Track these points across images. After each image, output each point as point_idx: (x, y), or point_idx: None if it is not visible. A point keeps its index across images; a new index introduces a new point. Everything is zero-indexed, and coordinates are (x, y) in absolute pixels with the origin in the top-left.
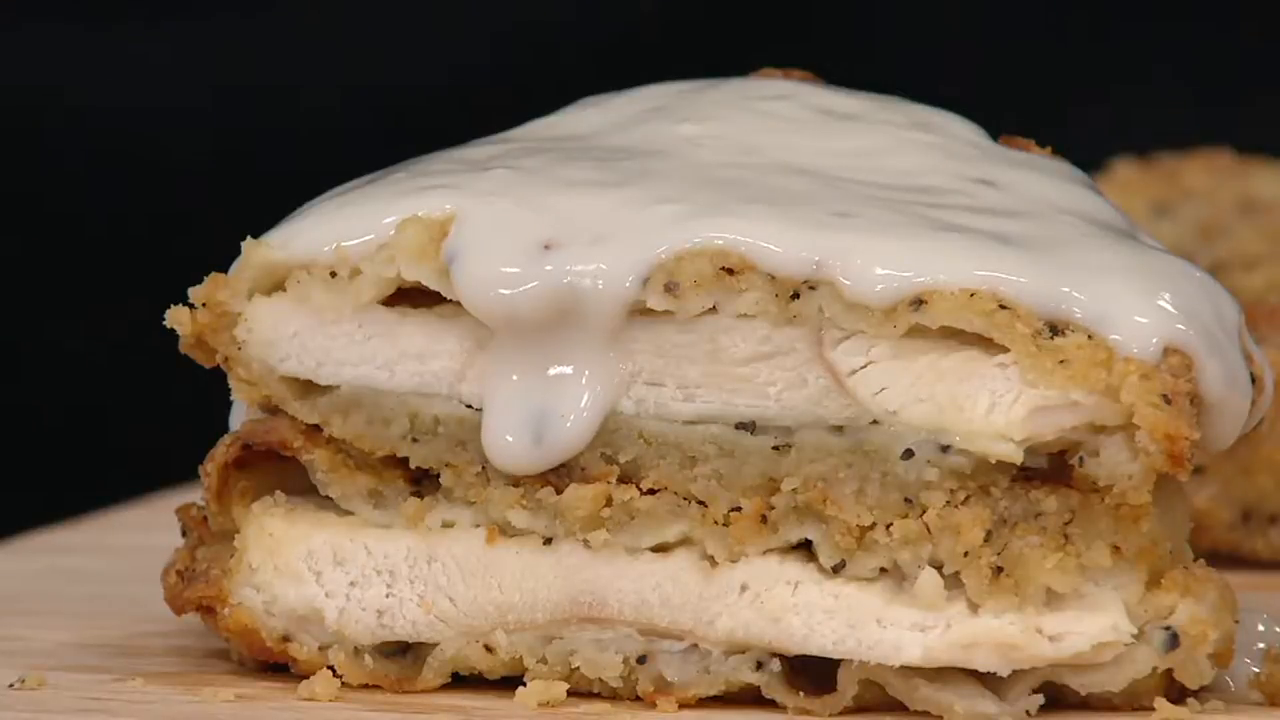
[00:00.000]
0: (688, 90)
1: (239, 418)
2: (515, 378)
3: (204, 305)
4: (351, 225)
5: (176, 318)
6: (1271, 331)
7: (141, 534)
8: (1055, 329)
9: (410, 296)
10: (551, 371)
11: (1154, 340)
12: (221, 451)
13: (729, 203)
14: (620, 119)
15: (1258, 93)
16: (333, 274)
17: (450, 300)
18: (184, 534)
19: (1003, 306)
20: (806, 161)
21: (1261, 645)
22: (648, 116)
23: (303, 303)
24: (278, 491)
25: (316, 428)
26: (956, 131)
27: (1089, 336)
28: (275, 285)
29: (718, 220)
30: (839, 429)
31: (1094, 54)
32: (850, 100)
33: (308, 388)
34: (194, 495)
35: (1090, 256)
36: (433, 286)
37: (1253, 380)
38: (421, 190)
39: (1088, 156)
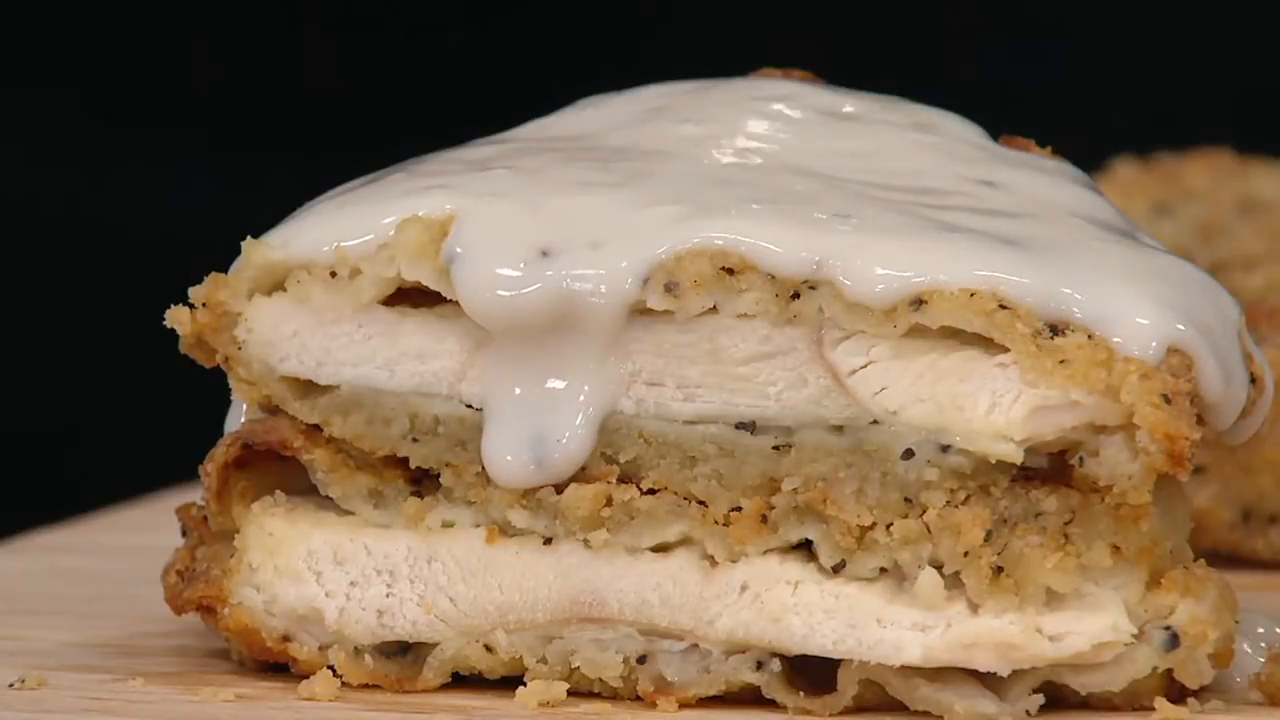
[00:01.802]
0: (688, 90)
1: (237, 418)
2: (518, 391)
3: (204, 305)
4: (351, 225)
5: (177, 318)
6: (1271, 331)
7: (141, 534)
8: (1055, 329)
9: (410, 296)
10: (549, 384)
11: (1154, 341)
12: (221, 451)
13: (729, 203)
14: (620, 119)
15: (1258, 93)
16: (333, 274)
17: (450, 300)
18: (184, 534)
19: (1003, 306)
20: (808, 162)
21: (1263, 645)
22: (648, 117)
23: (303, 303)
24: (278, 491)
25: (316, 428)
26: (957, 132)
27: (1089, 336)
28: (275, 285)
29: (718, 220)
30: (839, 429)
31: (1095, 54)
32: (851, 101)
33: (308, 388)
34: (194, 495)
35: (1091, 258)
36: (433, 287)
37: (1252, 380)
38: (421, 190)
39: (1088, 156)
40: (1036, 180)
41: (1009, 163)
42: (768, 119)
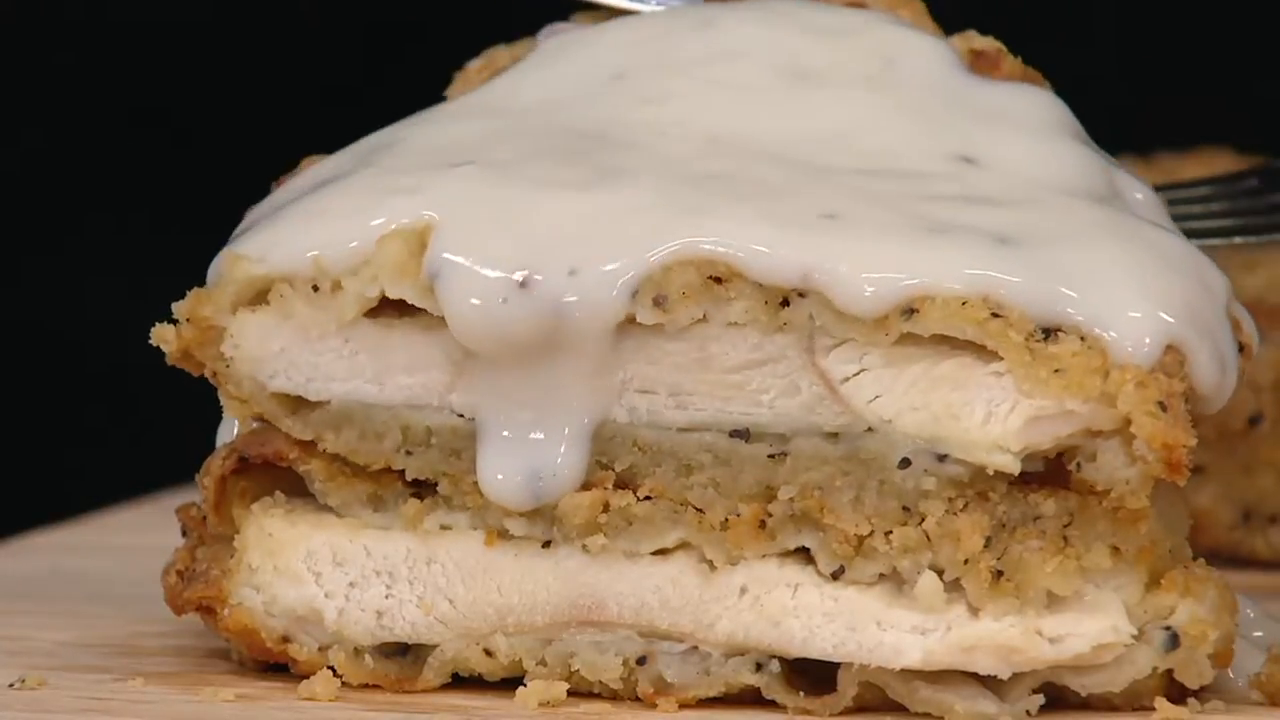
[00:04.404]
0: (644, 42)
1: (229, 426)
2: (508, 414)
3: (188, 320)
4: (330, 233)
5: (161, 335)
6: (1271, 331)
7: (141, 534)
8: (1049, 332)
9: (395, 303)
10: (539, 407)
11: (1148, 338)
12: (218, 464)
13: (710, 204)
14: (583, 88)
15: (1258, 93)
16: (314, 288)
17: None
18: (184, 534)
19: (995, 315)
20: (778, 147)
21: (1263, 645)
22: (609, 89)
23: (287, 318)
24: (277, 492)
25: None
26: (925, 73)
27: (1082, 339)
28: (258, 297)
29: (701, 223)
30: (834, 436)
31: (1095, 53)
32: (810, 44)
33: (298, 403)
34: (194, 495)
35: (1083, 250)
36: (418, 304)
37: (1240, 349)
38: (396, 193)
39: None
40: (1017, 146)
41: (985, 117)
42: (726, 91)
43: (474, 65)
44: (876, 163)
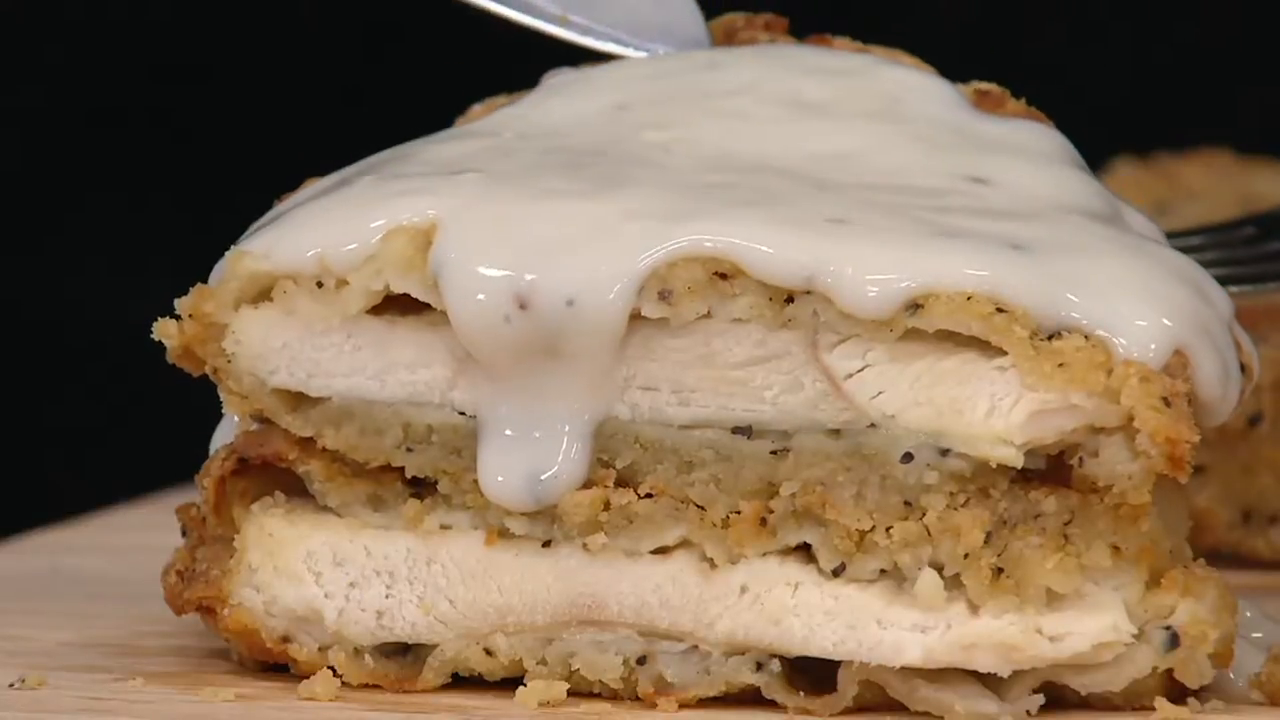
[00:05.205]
0: (645, 78)
1: (228, 428)
2: (510, 414)
3: (190, 316)
4: (334, 232)
5: (164, 330)
6: (1271, 331)
7: (141, 534)
8: (1053, 336)
9: (398, 302)
10: (542, 409)
11: (1154, 343)
12: (217, 466)
13: (716, 209)
14: (585, 117)
15: (1257, 92)
16: (319, 284)
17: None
18: (184, 534)
19: (1000, 310)
20: (784, 165)
21: (1263, 645)
22: (612, 117)
23: (291, 314)
24: (277, 492)
25: (311, 439)
26: (929, 108)
27: (1086, 338)
28: (261, 294)
29: (705, 223)
30: (836, 432)
31: (1095, 53)
32: (813, 82)
33: (299, 400)
34: (194, 495)
35: (1089, 260)
36: (423, 299)
37: (1241, 368)
38: (401, 194)
39: (1088, 157)
40: (1023, 170)
41: (991, 147)
42: (731, 120)
43: (476, 109)
44: (886, 179)
